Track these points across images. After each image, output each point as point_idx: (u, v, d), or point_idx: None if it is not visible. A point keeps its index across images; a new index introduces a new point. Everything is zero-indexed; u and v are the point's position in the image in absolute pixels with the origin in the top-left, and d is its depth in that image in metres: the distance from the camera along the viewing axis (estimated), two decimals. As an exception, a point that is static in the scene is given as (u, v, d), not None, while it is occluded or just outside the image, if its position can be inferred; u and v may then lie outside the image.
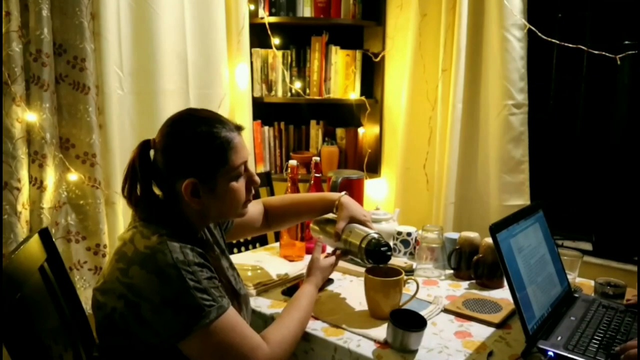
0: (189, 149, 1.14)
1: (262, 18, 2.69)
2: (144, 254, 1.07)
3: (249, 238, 2.11)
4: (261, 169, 2.83)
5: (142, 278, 1.05)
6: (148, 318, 1.05)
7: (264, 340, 1.14)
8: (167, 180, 1.16)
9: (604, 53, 2.16)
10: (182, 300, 1.04)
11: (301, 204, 1.60)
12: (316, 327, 1.32)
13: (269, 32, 2.69)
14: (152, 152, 1.18)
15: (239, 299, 1.27)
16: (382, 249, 1.38)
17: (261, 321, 1.40)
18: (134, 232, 1.13)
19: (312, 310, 1.33)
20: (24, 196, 1.83)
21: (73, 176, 1.99)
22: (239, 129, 1.20)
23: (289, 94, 2.84)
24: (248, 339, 1.11)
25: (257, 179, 1.25)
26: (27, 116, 1.84)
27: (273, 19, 2.71)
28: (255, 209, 1.56)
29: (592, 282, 1.55)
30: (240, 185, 1.19)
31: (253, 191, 1.26)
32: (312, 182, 1.91)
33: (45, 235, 1.38)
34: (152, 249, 1.07)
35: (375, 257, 1.38)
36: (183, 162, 1.14)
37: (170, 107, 2.29)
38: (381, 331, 1.27)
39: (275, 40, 2.74)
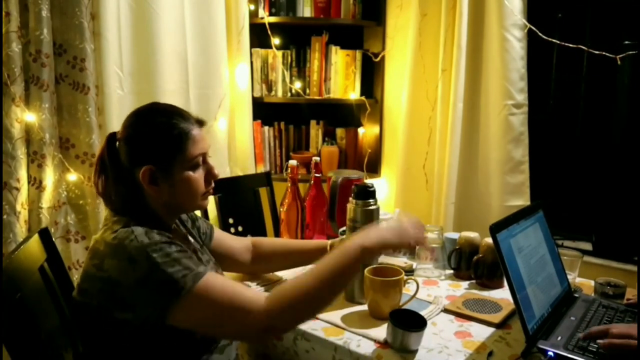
0: (147, 137, 1.18)
1: (262, 18, 2.69)
2: (113, 245, 1.10)
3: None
4: (261, 169, 2.83)
5: (115, 267, 1.08)
6: (129, 302, 1.07)
7: (266, 297, 1.11)
8: (129, 171, 1.19)
9: (604, 53, 2.16)
10: (154, 277, 1.06)
11: (292, 247, 1.58)
12: (316, 327, 1.32)
13: (269, 32, 2.69)
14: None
15: None
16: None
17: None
18: (104, 230, 1.16)
19: (350, 272, 1.18)
20: (22, 196, 1.83)
21: (72, 176, 1.99)
22: (200, 123, 1.24)
23: (289, 94, 2.84)
24: (238, 296, 1.10)
25: (216, 172, 1.27)
26: (26, 116, 1.84)
27: (273, 19, 2.71)
28: (241, 243, 1.56)
29: (592, 282, 1.55)
30: (197, 176, 1.22)
31: (212, 184, 1.28)
32: (312, 182, 1.91)
33: (45, 235, 1.38)
34: (119, 238, 1.10)
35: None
36: (141, 150, 1.18)
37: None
38: (381, 331, 1.27)
39: (275, 40, 2.74)
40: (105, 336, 1.15)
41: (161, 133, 1.18)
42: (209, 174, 1.26)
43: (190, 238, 1.37)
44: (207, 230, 1.49)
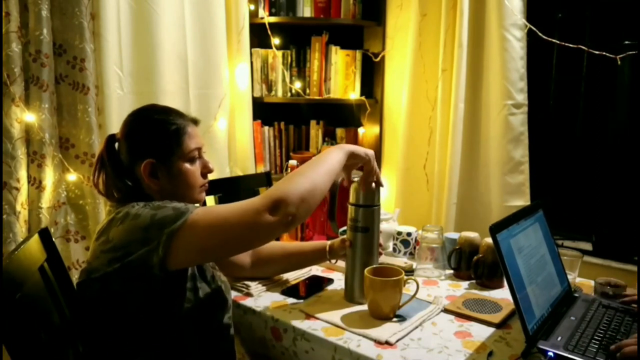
0: (146, 132, 1.25)
1: (262, 18, 2.69)
2: (118, 218, 1.15)
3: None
4: (261, 169, 2.83)
5: (121, 231, 1.12)
6: (141, 252, 1.10)
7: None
8: (129, 167, 1.24)
9: (604, 53, 2.16)
10: (160, 213, 1.12)
11: (291, 249, 1.59)
12: (316, 327, 1.32)
13: (269, 32, 2.69)
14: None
15: (209, 284, 1.29)
16: None
17: (262, 321, 1.40)
18: (108, 218, 1.20)
19: (333, 167, 1.25)
20: (22, 196, 1.83)
21: (72, 176, 1.99)
22: (194, 121, 1.32)
23: (289, 94, 2.84)
24: (234, 203, 1.14)
25: (212, 166, 1.32)
26: (26, 117, 1.84)
27: (273, 19, 2.71)
28: None
29: (592, 282, 1.55)
30: (194, 168, 1.28)
31: (207, 178, 1.33)
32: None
33: (45, 235, 1.37)
34: (123, 211, 1.15)
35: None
36: (142, 145, 1.24)
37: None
38: (382, 331, 1.27)
39: (275, 40, 2.74)
40: (106, 329, 1.17)
41: (160, 128, 1.24)
42: (205, 167, 1.31)
43: None
44: None
